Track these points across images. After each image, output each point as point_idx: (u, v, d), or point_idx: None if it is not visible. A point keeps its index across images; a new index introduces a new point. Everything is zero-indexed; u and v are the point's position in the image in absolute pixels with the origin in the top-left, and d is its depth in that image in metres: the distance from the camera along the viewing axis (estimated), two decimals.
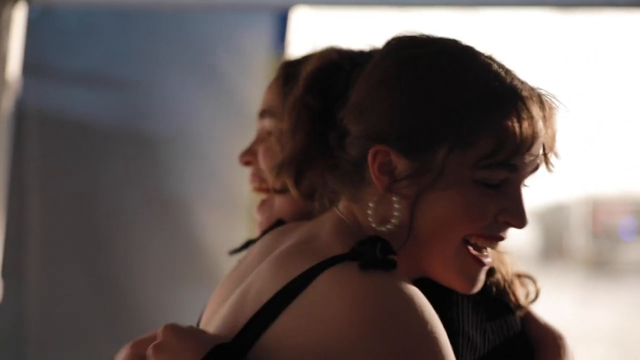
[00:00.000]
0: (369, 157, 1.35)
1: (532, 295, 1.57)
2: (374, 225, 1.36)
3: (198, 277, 3.59)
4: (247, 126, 3.68)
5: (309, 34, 3.51)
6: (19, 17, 3.08)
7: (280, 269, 1.35)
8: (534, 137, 1.34)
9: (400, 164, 1.34)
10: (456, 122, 1.32)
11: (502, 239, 1.39)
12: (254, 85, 3.46)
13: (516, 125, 1.32)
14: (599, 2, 2.98)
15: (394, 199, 1.34)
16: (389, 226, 1.35)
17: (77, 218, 3.57)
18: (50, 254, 3.51)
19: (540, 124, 1.35)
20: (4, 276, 3.12)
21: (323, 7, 3.40)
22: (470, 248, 1.36)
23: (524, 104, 1.34)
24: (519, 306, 1.53)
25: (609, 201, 23.17)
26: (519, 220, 1.37)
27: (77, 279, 3.54)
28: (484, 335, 1.43)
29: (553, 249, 22.94)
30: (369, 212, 1.36)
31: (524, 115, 1.33)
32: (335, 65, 1.44)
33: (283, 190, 1.53)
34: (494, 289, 1.50)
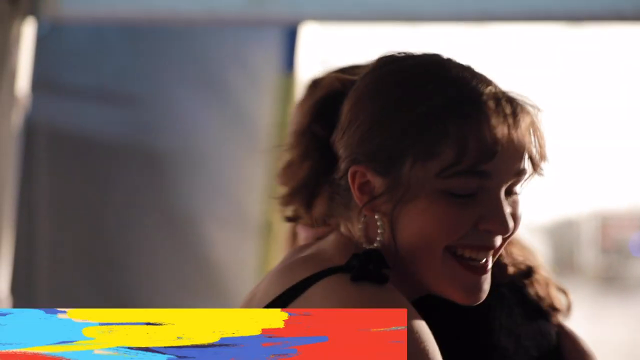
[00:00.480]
0: (349, 179, 1.37)
1: (564, 307, 1.56)
2: (364, 245, 1.37)
3: (207, 292, 3.59)
4: (255, 142, 3.69)
5: (318, 50, 3.51)
6: (28, 34, 3.08)
7: (283, 277, 1.38)
8: (496, 141, 1.30)
9: (377, 182, 1.35)
10: (416, 134, 1.32)
11: (489, 248, 1.36)
12: (263, 101, 3.46)
13: (475, 130, 1.30)
14: (607, 16, 2.97)
15: (377, 217, 1.35)
16: (375, 244, 1.35)
17: (86, 234, 3.57)
18: (59, 270, 3.52)
19: (504, 128, 1.31)
20: (13, 292, 3.12)
21: (332, 23, 3.40)
22: (458, 258, 1.35)
23: (484, 108, 1.31)
24: (554, 309, 1.53)
25: (618, 216, 23.13)
26: (499, 226, 1.34)
27: (86, 294, 3.54)
28: (518, 342, 1.43)
29: (563, 264, 22.90)
30: (359, 232, 1.38)
31: (483, 120, 1.31)
32: (340, 94, 1.45)
33: (295, 219, 1.53)
34: (532, 289, 1.50)
